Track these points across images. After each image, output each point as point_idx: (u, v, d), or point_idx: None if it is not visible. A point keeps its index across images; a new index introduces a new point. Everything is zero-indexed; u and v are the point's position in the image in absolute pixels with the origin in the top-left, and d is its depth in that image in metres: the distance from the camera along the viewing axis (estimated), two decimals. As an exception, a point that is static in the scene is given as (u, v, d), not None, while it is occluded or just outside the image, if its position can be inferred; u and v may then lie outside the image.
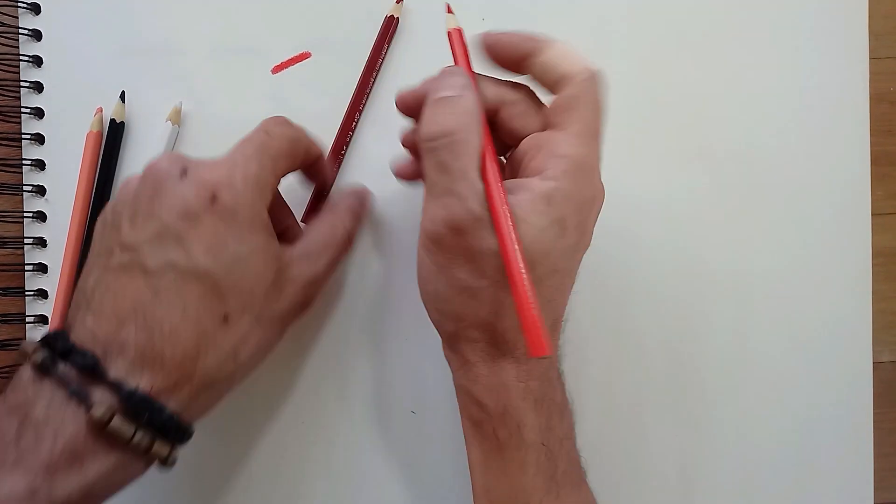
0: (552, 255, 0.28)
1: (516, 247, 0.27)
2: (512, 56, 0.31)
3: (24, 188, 0.40)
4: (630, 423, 0.41)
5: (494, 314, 0.29)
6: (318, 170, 0.36)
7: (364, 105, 0.39)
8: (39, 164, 0.40)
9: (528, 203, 0.28)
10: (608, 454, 0.41)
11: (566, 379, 0.33)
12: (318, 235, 0.35)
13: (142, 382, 0.28)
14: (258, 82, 0.40)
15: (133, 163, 0.40)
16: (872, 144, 0.41)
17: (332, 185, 0.39)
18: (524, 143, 0.30)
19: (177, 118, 0.39)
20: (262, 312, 0.31)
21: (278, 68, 0.38)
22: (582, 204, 0.29)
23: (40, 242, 0.40)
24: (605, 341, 0.41)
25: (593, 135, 0.29)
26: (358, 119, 0.39)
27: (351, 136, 0.39)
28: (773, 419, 0.41)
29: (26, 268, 0.39)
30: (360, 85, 0.39)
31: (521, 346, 0.29)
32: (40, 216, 0.40)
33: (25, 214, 0.40)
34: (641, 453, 0.41)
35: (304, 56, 0.37)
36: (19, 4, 0.40)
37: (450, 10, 0.32)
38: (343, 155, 0.39)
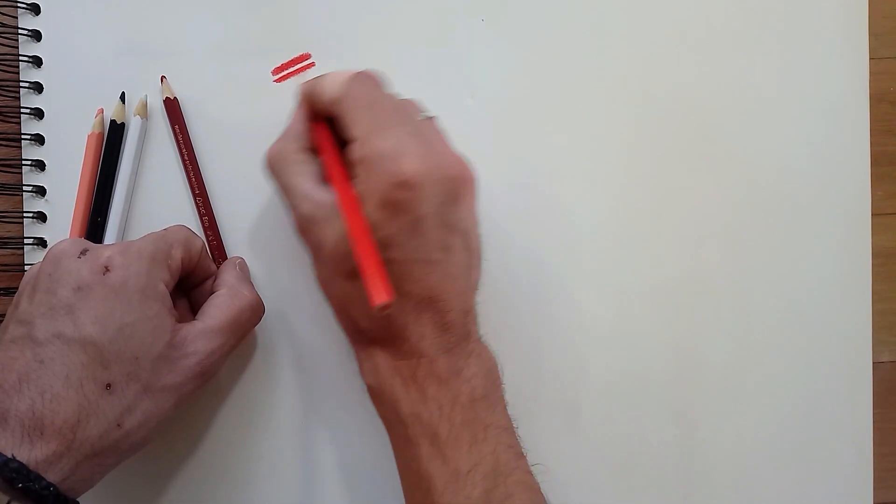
0: (399, 237, 0.30)
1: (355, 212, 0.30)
2: (312, 106, 0.34)
3: (24, 189, 0.40)
4: (630, 423, 0.41)
5: (345, 305, 0.32)
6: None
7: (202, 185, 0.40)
8: (39, 165, 0.40)
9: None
10: (608, 454, 0.41)
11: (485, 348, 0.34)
12: (218, 312, 0.35)
13: (19, 451, 0.28)
14: (258, 82, 0.40)
15: (132, 162, 0.40)
16: (872, 144, 0.41)
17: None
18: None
19: (143, 111, 0.39)
20: (150, 382, 0.31)
21: (278, 69, 0.37)
22: (384, 197, 0.30)
23: (40, 243, 0.40)
24: (606, 341, 0.41)
25: (373, 128, 0.31)
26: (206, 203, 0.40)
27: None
28: (773, 419, 0.41)
29: (26, 268, 0.39)
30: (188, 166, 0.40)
31: (378, 332, 0.32)
32: (40, 217, 0.40)
33: (25, 215, 0.40)
34: (641, 453, 0.41)
35: (303, 57, 0.37)
36: (19, 4, 0.39)
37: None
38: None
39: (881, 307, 0.41)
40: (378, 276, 0.28)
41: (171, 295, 0.34)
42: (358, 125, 0.31)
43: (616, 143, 0.41)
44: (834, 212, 0.41)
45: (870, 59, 0.41)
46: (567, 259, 0.41)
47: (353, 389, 0.40)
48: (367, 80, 0.33)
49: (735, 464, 0.41)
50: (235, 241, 0.40)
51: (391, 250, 0.30)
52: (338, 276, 0.32)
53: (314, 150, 0.34)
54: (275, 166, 0.34)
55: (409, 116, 0.33)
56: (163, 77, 0.39)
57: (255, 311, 0.37)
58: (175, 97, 0.39)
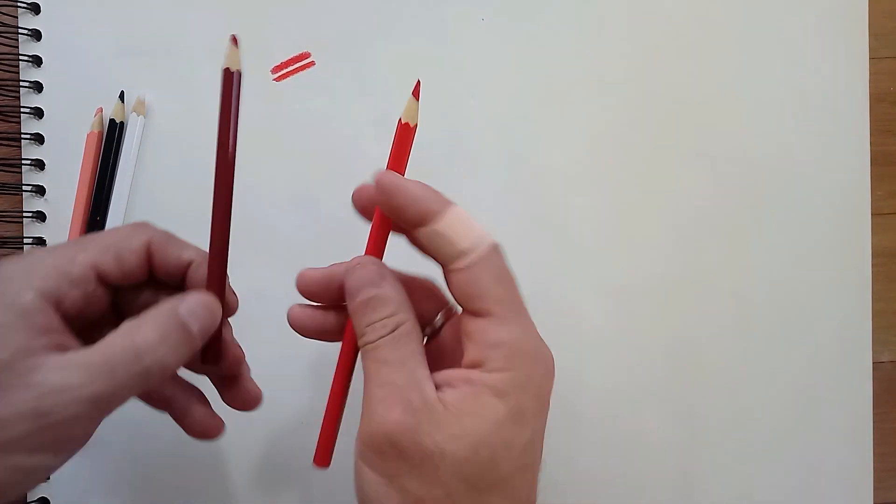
0: (514, 450, 0.25)
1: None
2: (409, 215, 0.27)
3: (24, 188, 0.40)
4: (630, 423, 0.41)
5: None
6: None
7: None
8: (39, 164, 0.40)
9: (472, 397, 0.25)
10: (608, 454, 0.41)
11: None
12: (109, 341, 0.26)
13: None
14: (258, 82, 0.40)
15: (132, 162, 0.40)
16: (872, 144, 0.41)
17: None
18: (444, 332, 0.29)
19: (141, 109, 0.39)
20: None
21: (278, 68, 0.38)
22: (539, 389, 0.26)
23: (40, 242, 0.40)
24: (606, 341, 0.41)
25: (519, 311, 0.27)
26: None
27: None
28: (772, 419, 0.41)
29: (26, 268, 0.39)
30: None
31: None
32: (40, 216, 0.40)
33: (25, 214, 0.40)
34: (641, 453, 0.41)
35: (303, 56, 0.37)
36: (19, 4, 0.39)
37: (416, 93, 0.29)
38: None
39: (881, 307, 0.41)
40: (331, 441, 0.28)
41: (74, 314, 0.27)
42: (505, 301, 0.26)
43: (616, 143, 0.41)
44: (834, 212, 0.41)
45: (870, 59, 0.41)
46: (567, 258, 0.41)
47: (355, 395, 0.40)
48: (502, 253, 0.28)
49: (735, 463, 0.41)
50: (233, 242, 0.40)
51: (529, 452, 0.26)
52: (460, 492, 0.25)
53: None
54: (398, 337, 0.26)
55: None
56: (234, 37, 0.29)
57: (163, 359, 0.26)
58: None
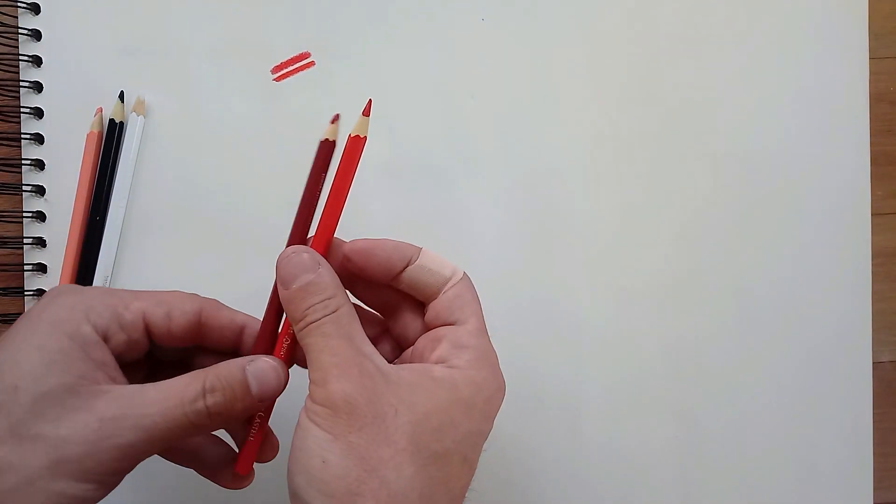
0: (460, 430, 0.27)
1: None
2: (395, 262, 0.29)
3: (24, 188, 0.40)
4: (630, 423, 0.41)
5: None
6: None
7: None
8: (39, 164, 0.40)
9: (428, 378, 0.27)
10: (608, 454, 0.41)
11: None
12: (167, 386, 0.27)
13: None
14: (258, 82, 0.40)
15: (132, 162, 0.40)
16: (872, 144, 0.41)
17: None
18: (420, 342, 0.29)
19: (141, 109, 0.39)
20: (21, 422, 0.25)
21: (278, 68, 0.38)
22: (488, 397, 0.28)
23: (40, 242, 0.40)
24: (606, 341, 0.41)
25: (485, 330, 0.29)
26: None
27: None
28: (773, 419, 0.41)
29: (25, 268, 0.39)
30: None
31: None
32: (39, 216, 0.40)
33: (25, 214, 0.40)
34: (641, 453, 0.41)
35: (303, 56, 0.37)
36: (19, 4, 0.39)
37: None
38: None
39: (881, 307, 0.41)
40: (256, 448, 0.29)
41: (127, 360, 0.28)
42: (477, 317, 0.29)
43: (616, 143, 0.41)
44: (834, 212, 0.41)
45: (870, 59, 0.41)
46: (567, 258, 0.41)
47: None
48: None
49: (735, 463, 0.41)
50: (230, 240, 0.40)
51: (465, 444, 0.27)
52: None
53: None
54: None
55: None
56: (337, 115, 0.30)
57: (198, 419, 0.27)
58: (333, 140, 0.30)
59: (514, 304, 0.41)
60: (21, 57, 0.40)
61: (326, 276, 0.27)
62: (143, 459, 0.26)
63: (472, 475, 0.28)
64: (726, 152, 0.41)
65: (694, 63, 0.41)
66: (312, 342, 0.26)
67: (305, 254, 0.28)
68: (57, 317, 0.27)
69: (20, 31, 0.40)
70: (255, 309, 0.40)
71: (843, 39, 0.41)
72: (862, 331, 0.41)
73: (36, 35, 0.40)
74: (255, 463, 0.31)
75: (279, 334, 0.29)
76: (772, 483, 0.41)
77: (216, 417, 0.27)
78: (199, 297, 0.31)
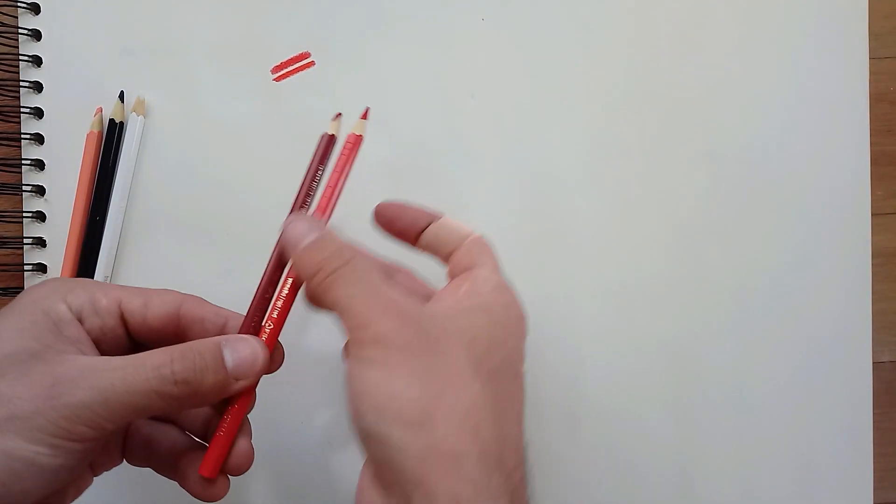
0: (503, 349, 0.28)
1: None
2: (409, 227, 0.31)
3: (24, 188, 0.40)
4: (630, 423, 0.41)
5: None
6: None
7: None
8: (39, 164, 0.40)
9: (460, 309, 0.28)
10: (608, 454, 0.41)
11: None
12: (134, 356, 0.26)
13: None
14: (258, 82, 0.40)
15: (132, 162, 0.40)
16: (872, 144, 0.41)
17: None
18: (443, 290, 0.31)
19: (141, 109, 0.39)
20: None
21: (278, 68, 0.38)
22: (517, 313, 0.30)
23: (40, 242, 0.40)
24: (606, 341, 0.41)
25: (502, 273, 0.31)
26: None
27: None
28: (772, 419, 0.41)
29: (26, 268, 0.39)
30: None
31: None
32: (39, 216, 0.40)
33: (25, 214, 0.40)
34: (641, 453, 0.41)
35: (303, 56, 0.37)
36: (19, 4, 0.39)
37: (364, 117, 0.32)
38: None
39: (881, 307, 0.41)
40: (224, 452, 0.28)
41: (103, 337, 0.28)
42: (494, 262, 0.31)
43: (616, 143, 0.41)
44: (834, 212, 0.41)
45: (870, 59, 0.41)
46: (566, 258, 0.41)
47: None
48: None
49: (735, 463, 0.41)
50: (230, 240, 0.40)
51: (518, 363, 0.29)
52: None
53: None
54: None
55: None
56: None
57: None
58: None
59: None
60: (21, 57, 0.40)
61: (330, 233, 0.28)
62: (104, 428, 0.25)
63: (524, 393, 0.29)
64: (726, 152, 0.41)
65: (694, 62, 0.41)
66: (338, 294, 0.26)
67: (306, 219, 0.28)
68: (37, 296, 0.28)
69: (20, 31, 0.40)
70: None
71: (843, 39, 0.41)
72: (862, 331, 0.41)
73: (36, 35, 0.40)
74: (231, 475, 0.29)
75: (264, 320, 0.29)
76: (772, 483, 0.41)
77: (182, 386, 0.26)
78: (181, 293, 0.30)
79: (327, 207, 0.30)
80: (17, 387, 0.25)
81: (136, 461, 0.31)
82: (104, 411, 0.25)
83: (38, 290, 0.28)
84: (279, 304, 0.29)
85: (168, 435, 0.31)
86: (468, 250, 0.31)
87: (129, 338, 0.29)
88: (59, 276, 0.39)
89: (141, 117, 0.39)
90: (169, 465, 0.30)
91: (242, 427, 0.29)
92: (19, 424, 0.24)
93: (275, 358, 0.29)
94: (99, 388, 0.25)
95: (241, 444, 0.29)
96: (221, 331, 0.30)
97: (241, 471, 0.29)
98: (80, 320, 0.28)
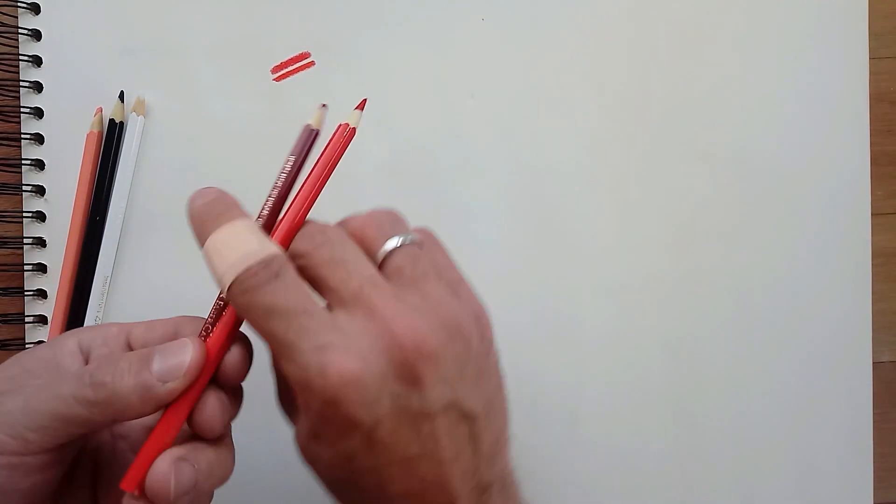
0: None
1: None
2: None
3: (24, 188, 0.40)
4: (630, 423, 0.41)
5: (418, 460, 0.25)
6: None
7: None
8: (39, 164, 0.40)
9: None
10: (608, 454, 0.41)
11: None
12: (49, 379, 0.26)
13: None
14: (258, 82, 0.40)
15: (132, 162, 0.40)
16: (872, 144, 0.41)
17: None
18: None
19: (141, 109, 0.39)
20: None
21: (278, 68, 0.38)
22: (320, 408, 0.24)
23: (40, 242, 0.40)
24: (606, 341, 0.41)
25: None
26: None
27: None
28: (773, 419, 0.41)
29: (26, 268, 0.39)
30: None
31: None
32: (40, 216, 0.40)
33: (25, 214, 0.40)
34: (641, 453, 0.41)
35: (303, 56, 0.37)
36: (19, 4, 0.39)
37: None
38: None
39: (881, 307, 0.41)
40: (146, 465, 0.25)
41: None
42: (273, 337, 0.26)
43: (616, 143, 0.41)
44: (834, 212, 0.41)
45: (870, 59, 0.41)
46: (566, 259, 0.41)
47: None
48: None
49: (735, 463, 0.41)
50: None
51: (354, 462, 0.25)
52: (321, 473, 0.26)
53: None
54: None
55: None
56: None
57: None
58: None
59: (513, 303, 0.41)
60: (21, 57, 0.40)
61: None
62: (31, 436, 0.24)
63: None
64: (726, 152, 0.41)
65: (694, 62, 0.41)
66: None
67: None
68: (62, 335, 0.28)
69: (20, 31, 0.40)
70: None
71: (843, 39, 0.41)
72: (862, 331, 0.41)
73: (36, 35, 0.40)
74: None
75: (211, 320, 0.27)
76: (772, 483, 0.41)
77: (99, 389, 0.25)
78: (179, 317, 0.29)
79: (302, 209, 0.28)
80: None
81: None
82: (25, 418, 0.24)
83: (66, 332, 0.29)
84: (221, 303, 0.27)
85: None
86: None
87: None
88: (58, 275, 0.39)
89: (141, 117, 0.39)
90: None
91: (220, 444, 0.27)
92: None
93: (233, 359, 0.27)
94: (24, 395, 0.25)
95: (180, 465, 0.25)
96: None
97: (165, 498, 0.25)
98: (88, 352, 0.27)
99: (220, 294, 0.27)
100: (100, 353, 0.28)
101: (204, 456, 0.26)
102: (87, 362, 0.27)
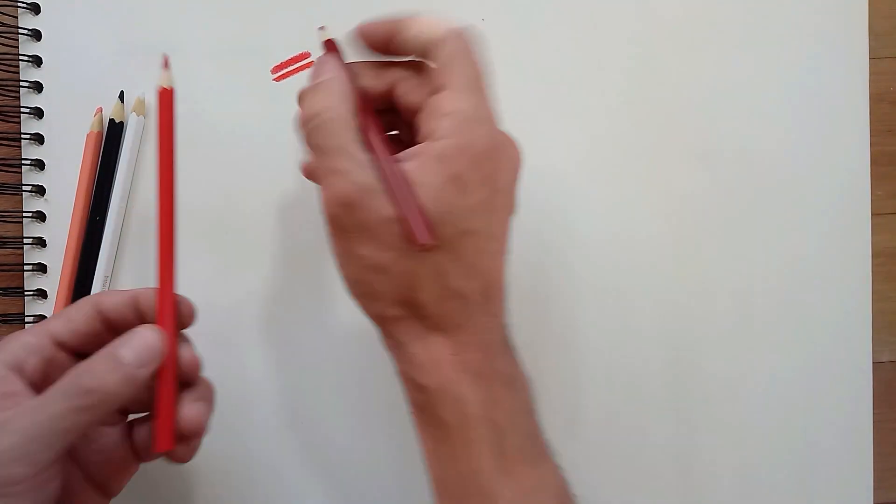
0: (455, 214, 0.27)
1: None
2: (380, 39, 0.30)
3: (24, 188, 0.40)
4: (630, 423, 0.41)
5: (409, 287, 0.28)
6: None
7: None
8: (39, 164, 0.40)
9: (419, 166, 0.27)
10: (608, 454, 0.41)
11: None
12: (48, 390, 0.28)
13: None
14: (258, 82, 0.40)
15: (132, 162, 0.40)
16: (872, 144, 0.41)
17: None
18: (420, 114, 0.29)
19: (141, 109, 0.39)
20: None
21: (278, 68, 0.37)
22: (479, 157, 0.27)
23: (40, 242, 0.40)
24: (606, 341, 0.41)
25: (476, 87, 0.28)
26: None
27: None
28: (772, 419, 0.41)
29: (26, 268, 0.39)
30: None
31: (447, 318, 0.28)
32: (40, 216, 0.40)
33: (25, 214, 0.40)
34: (641, 453, 0.41)
35: (303, 56, 0.37)
36: (19, 4, 0.39)
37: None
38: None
39: (881, 307, 0.41)
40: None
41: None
42: (461, 76, 0.28)
43: (616, 143, 0.41)
44: (834, 212, 0.41)
45: (870, 59, 0.41)
46: (566, 258, 0.41)
47: (343, 386, 0.40)
48: (471, 38, 0.30)
49: (735, 464, 0.41)
50: (229, 241, 0.40)
51: (474, 220, 0.28)
52: (405, 253, 0.27)
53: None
54: (324, 125, 0.28)
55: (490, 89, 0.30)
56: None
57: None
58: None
59: (512, 303, 0.40)
60: (21, 57, 0.40)
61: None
62: (41, 460, 0.27)
63: (503, 254, 0.30)
64: (726, 152, 0.41)
65: (694, 62, 0.41)
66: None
67: (327, 64, 0.31)
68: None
69: (20, 31, 0.40)
70: (252, 310, 0.40)
71: (843, 39, 0.41)
72: (862, 331, 0.41)
73: (36, 35, 0.40)
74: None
75: (163, 301, 0.30)
76: (772, 483, 0.41)
77: (92, 395, 0.27)
78: (94, 295, 0.32)
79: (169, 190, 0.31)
80: None
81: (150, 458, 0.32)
82: (33, 446, 0.27)
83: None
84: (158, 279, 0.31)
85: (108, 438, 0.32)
86: (440, 63, 0.28)
87: (75, 355, 0.31)
88: (58, 275, 0.39)
89: (141, 117, 0.39)
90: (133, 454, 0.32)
91: (194, 389, 0.31)
92: None
93: (182, 320, 0.31)
94: (23, 427, 0.27)
95: (190, 408, 0.30)
96: (137, 312, 0.31)
97: (197, 432, 0.31)
98: (20, 368, 0.29)
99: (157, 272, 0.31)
100: (34, 363, 0.30)
101: (204, 392, 0.32)
102: (22, 374, 0.29)
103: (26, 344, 0.30)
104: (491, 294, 0.29)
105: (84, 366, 0.28)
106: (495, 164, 0.28)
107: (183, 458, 0.31)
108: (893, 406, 0.42)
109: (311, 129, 0.29)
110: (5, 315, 0.40)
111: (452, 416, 0.28)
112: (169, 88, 0.32)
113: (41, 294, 0.40)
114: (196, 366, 0.32)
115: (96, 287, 0.39)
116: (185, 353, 0.31)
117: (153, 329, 0.30)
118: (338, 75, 0.30)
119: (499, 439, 0.28)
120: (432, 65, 0.29)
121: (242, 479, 0.40)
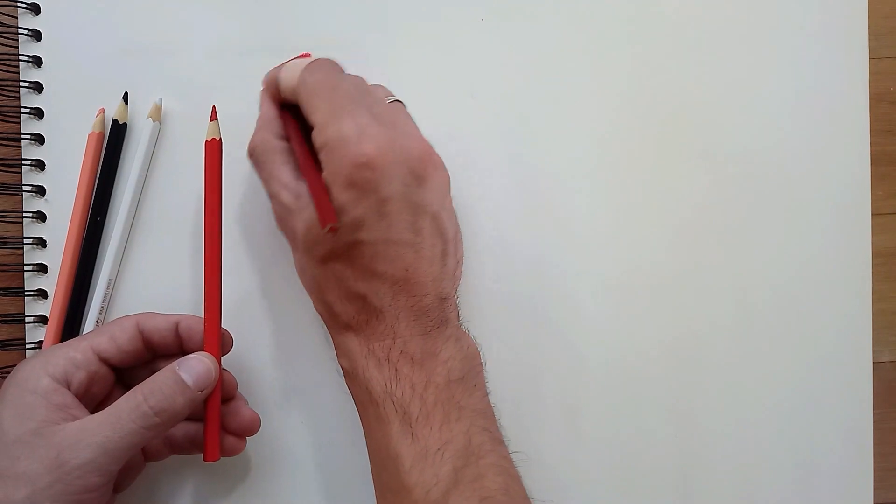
0: (343, 231, 0.31)
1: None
2: (274, 92, 0.35)
3: (24, 188, 0.40)
4: (629, 423, 0.41)
5: (320, 289, 0.33)
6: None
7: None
8: (39, 165, 0.40)
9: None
10: (607, 454, 0.41)
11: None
12: (113, 406, 0.32)
13: None
14: (258, 82, 0.40)
15: (142, 165, 0.40)
16: (872, 144, 0.41)
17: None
18: None
19: (157, 115, 0.39)
20: (2, 466, 0.30)
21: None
22: (350, 178, 0.30)
23: (40, 242, 0.40)
24: (606, 341, 0.41)
25: (335, 113, 0.31)
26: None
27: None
28: (773, 419, 0.41)
29: (26, 268, 0.39)
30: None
31: (351, 315, 0.33)
32: (40, 216, 0.40)
33: (25, 214, 0.40)
34: (641, 453, 0.41)
35: (303, 56, 0.37)
36: (19, 4, 0.39)
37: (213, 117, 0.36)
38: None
39: (881, 307, 0.41)
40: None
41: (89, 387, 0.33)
42: (318, 111, 0.31)
43: (616, 143, 0.41)
44: (834, 212, 0.41)
45: (870, 59, 0.41)
46: (566, 258, 0.41)
47: (329, 373, 0.40)
48: (324, 66, 0.33)
49: (735, 463, 0.41)
50: (229, 241, 0.40)
51: (361, 231, 0.31)
52: (312, 261, 0.33)
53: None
54: (259, 157, 0.34)
55: (371, 100, 0.33)
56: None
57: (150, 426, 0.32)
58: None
59: (513, 303, 0.41)
60: (21, 57, 0.40)
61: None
62: (112, 472, 0.31)
63: (444, 231, 0.33)
64: (726, 152, 0.41)
65: (694, 62, 0.41)
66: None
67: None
68: (20, 377, 0.32)
69: (20, 31, 0.40)
70: (255, 313, 0.40)
71: (843, 39, 0.41)
72: (862, 331, 0.41)
73: (36, 35, 0.40)
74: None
75: (210, 331, 0.35)
76: (772, 483, 0.41)
77: (162, 415, 0.32)
78: (134, 314, 0.35)
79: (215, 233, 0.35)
80: (30, 465, 0.30)
81: (158, 458, 0.37)
82: (106, 459, 0.30)
83: (21, 372, 0.32)
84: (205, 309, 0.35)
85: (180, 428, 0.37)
86: (304, 106, 0.32)
87: (115, 370, 0.35)
88: (56, 274, 0.39)
89: (157, 123, 0.39)
90: (188, 446, 0.37)
91: (236, 401, 0.37)
92: (45, 494, 0.29)
93: (224, 347, 0.36)
94: (96, 443, 0.30)
95: (244, 413, 0.36)
96: (177, 336, 0.35)
97: (251, 432, 0.37)
98: (68, 382, 0.32)
99: (205, 303, 0.35)
100: (81, 378, 0.33)
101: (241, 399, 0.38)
102: (69, 388, 0.32)
103: (74, 360, 0.33)
104: (399, 290, 0.32)
105: (151, 386, 0.32)
106: (373, 175, 0.30)
107: (236, 452, 0.36)
108: (893, 406, 0.42)
109: (252, 163, 0.35)
110: (5, 315, 0.40)
111: (365, 395, 0.33)
112: (217, 140, 0.36)
113: (41, 294, 0.40)
114: (234, 386, 0.37)
115: (98, 289, 0.39)
116: (225, 375, 0.36)
117: (209, 357, 0.34)
118: (265, 109, 0.35)
119: (402, 410, 0.31)
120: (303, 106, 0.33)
121: (242, 477, 0.40)
